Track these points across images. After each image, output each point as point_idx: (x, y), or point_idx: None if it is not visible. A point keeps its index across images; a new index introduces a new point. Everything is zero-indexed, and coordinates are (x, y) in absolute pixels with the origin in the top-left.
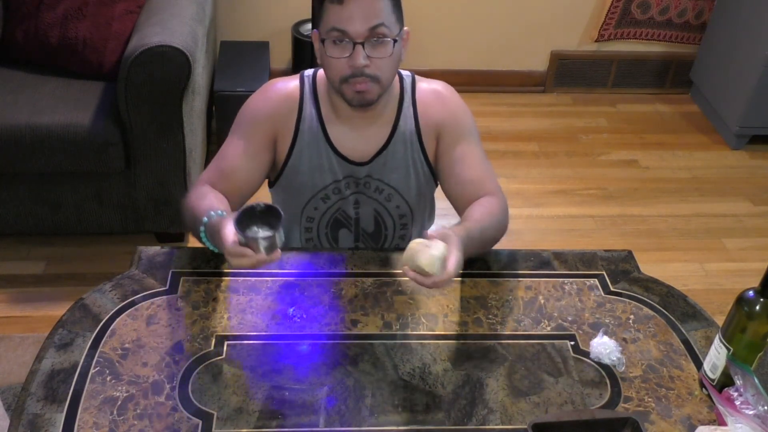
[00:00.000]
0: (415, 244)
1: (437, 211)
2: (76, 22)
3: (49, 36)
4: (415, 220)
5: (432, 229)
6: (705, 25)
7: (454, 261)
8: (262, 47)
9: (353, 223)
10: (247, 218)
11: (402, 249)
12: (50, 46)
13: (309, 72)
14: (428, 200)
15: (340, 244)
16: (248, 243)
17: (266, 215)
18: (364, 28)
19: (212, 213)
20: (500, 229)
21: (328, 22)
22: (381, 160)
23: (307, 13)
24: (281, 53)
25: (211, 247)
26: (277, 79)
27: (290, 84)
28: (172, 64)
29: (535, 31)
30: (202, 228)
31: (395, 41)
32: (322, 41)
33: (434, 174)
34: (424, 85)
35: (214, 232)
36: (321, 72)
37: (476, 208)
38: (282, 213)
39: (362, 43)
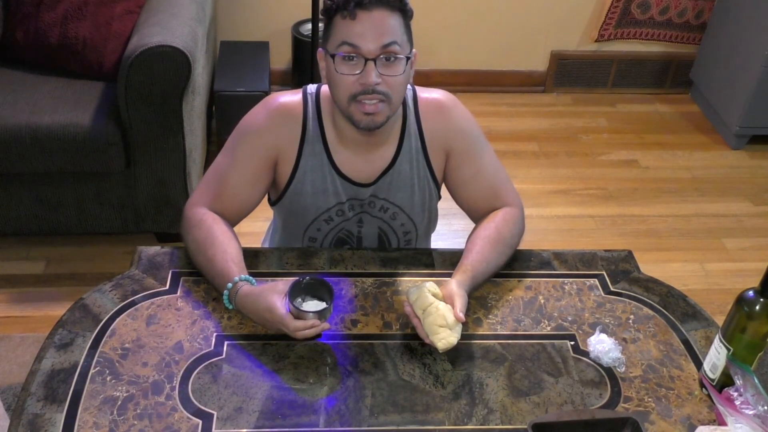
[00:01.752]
0: (434, 306)
1: (439, 211)
2: (76, 22)
3: (49, 36)
4: (419, 235)
5: (445, 287)
6: (705, 25)
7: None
8: (262, 47)
9: (356, 241)
10: (295, 291)
11: (414, 250)
12: (50, 46)
13: (312, 88)
14: (432, 214)
15: None
16: (302, 316)
17: (311, 287)
18: (376, 45)
19: (237, 279)
20: (512, 246)
21: (339, 37)
22: (387, 180)
23: (307, 13)
24: (281, 53)
25: (230, 306)
26: (278, 95)
27: (293, 101)
28: (172, 64)
29: (535, 31)
30: (226, 292)
31: (408, 59)
32: (332, 57)
33: (439, 188)
34: (425, 96)
35: (249, 303)
36: (325, 89)
37: (484, 236)
38: (333, 288)
39: (374, 60)
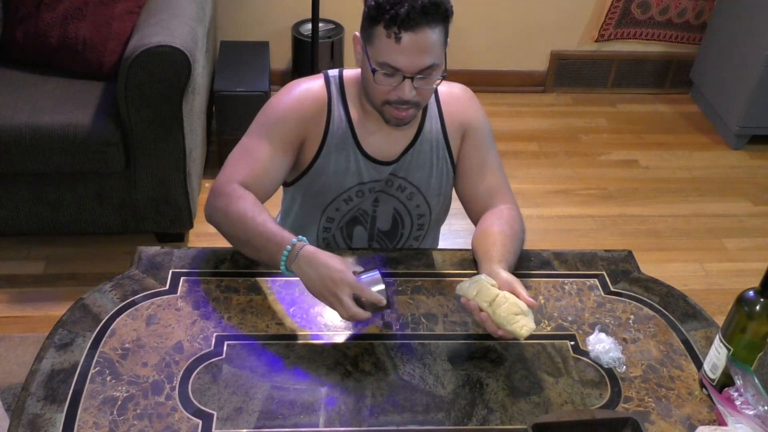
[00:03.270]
0: (503, 297)
1: (449, 210)
2: (76, 22)
3: (49, 36)
4: (432, 221)
5: (500, 284)
6: (705, 25)
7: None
8: (262, 47)
9: (369, 221)
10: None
11: (415, 250)
12: (50, 46)
13: (334, 72)
14: (447, 200)
15: (354, 242)
16: (367, 291)
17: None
18: (417, 67)
19: (301, 238)
20: (522, 242)
21: (381, 55)
22: (407, 159)
23: (307, 13)
24: (281, 53)
25: (286, 271)
26: (301, 80)
27: (316, 85)
28: (172, 64)
29: (535, 31)
30: (285, 253)
31: (443, 76)
32: (373, 71)
33: (455, 172)
34: (444, 89)
35: (317, 259)
36: (349, 74)
37: (499, 231)
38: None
39: (411, 77)
